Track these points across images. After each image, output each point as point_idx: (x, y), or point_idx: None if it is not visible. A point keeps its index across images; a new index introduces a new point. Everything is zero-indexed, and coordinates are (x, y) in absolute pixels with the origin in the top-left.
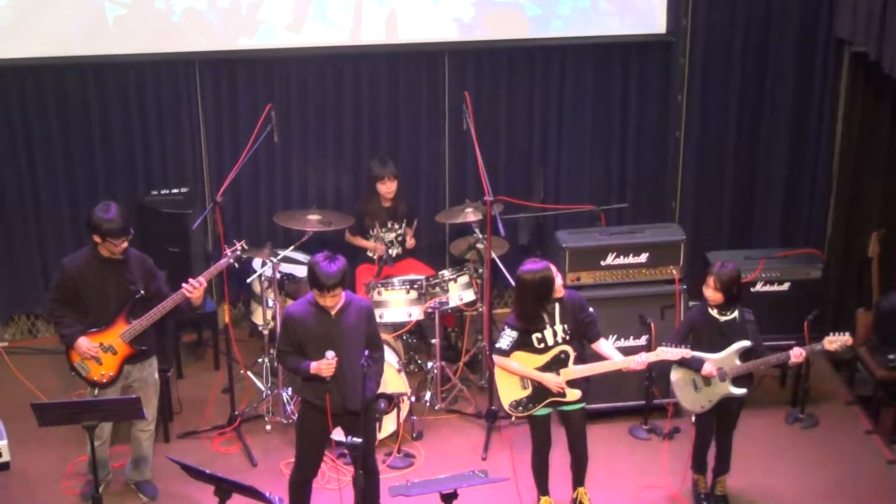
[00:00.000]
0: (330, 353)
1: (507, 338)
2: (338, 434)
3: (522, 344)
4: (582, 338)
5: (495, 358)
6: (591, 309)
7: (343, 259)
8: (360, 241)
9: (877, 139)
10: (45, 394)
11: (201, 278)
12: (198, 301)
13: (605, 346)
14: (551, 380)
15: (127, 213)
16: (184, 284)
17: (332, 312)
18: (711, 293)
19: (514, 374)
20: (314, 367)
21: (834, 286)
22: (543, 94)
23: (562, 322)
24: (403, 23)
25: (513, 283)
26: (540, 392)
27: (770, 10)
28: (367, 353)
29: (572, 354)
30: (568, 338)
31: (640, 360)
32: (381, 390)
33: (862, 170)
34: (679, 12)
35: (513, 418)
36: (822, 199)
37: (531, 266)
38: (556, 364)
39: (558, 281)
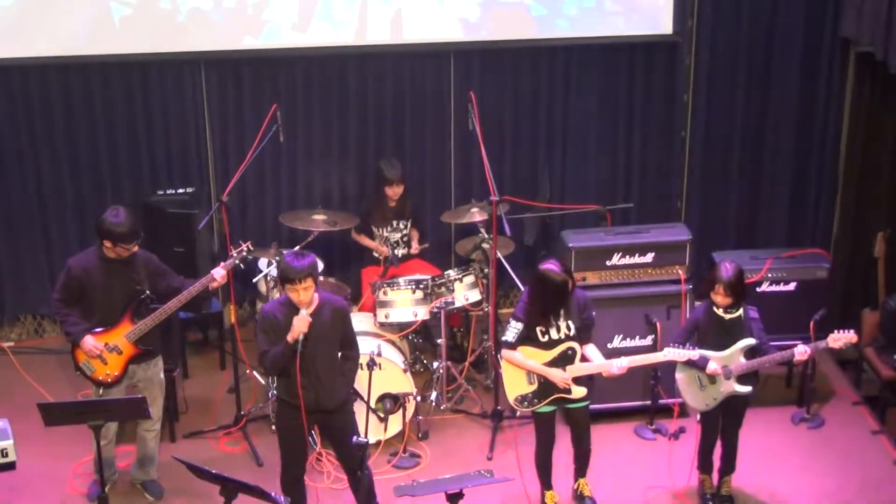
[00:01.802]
0: (304, 311)
1: (513, 330)
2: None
3: (527, 338)
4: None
5: (503, 351)
6: (594, 312)
7: (313, 255)
8: (365, 241)
9: (883, 138)
10: (51, 394)
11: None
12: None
13: (592, 350)
14: (557, 375)
15: (135, 217)
16: (214, 270)
17: (306, 312)
18: (721, 299)
19: (520, 369)
20: (290, 335)
21: (840, 286)
22: (549, 94)
23: (566, 319)
24: (409, 23)
25: (517, 282)
26: (546, 388)
27: (775, 10)
28: (373, 352)
29: (579, 351)
30: (573, 334)
31: (621, 365)
32: (387, 390)
33: (868, 169)
34: (685, 12)
35: (517, 413)
36: (828, 198)
37: (554, 266)
38: (563, 361)
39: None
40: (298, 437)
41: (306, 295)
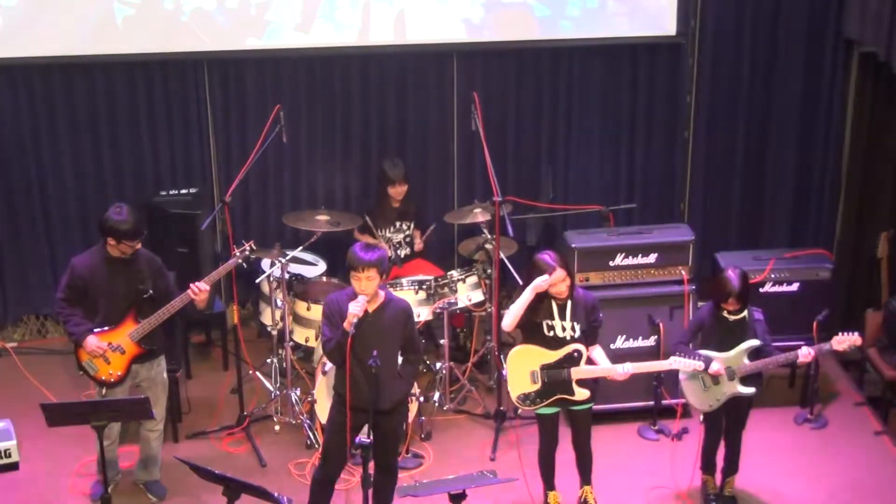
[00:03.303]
0: (362, 298)
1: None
2: (363, 434)
3: (535, 335)
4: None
5: (502, 322)
6: (601, 314)
7: (383, 250)
8: (367, 240)
9: (886, 139)
10: (54, 394)
11: (205, 283)
12: (202, 304)
13: (598, 352)
14: (540, 280)
15: (139, 214)
16: (191, 286)
17: (370, 308)
18: (733, 307)
19: (518, 312)
20: (346, 320)
21: (843, 286)
22: (552, 95)
23: (573, 320)
24: (412, 23)
25: (520, 282)
26: (549, 388)
27: (778, 11)
28: (375, 353)
29: (584, 354)
30: (579, 336)
31: (623, 371)
32: None
33: (871, 170)
34: (688, 13)
35: (519, 410)
36: (832, 199)
37: (544, 257)
38: (569, 362)
39: (555, 275)
40: (346, 436)
41: (368, 285)
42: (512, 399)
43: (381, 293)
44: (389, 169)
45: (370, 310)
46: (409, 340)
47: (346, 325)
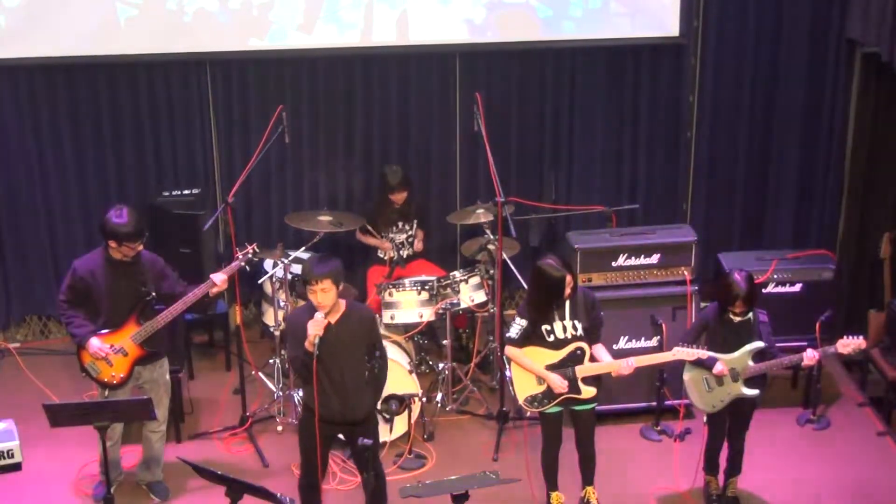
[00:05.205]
0: (319, 314)
1: (516, 327)
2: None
3: (533, 335)
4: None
5: (506, 348)
6: (601, 312)
7: (337, 261)
8: (369, 240)
9: (888, 139)
10: (56, 394)
11: (223, 274)
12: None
13: (601, 350)
14: (556, 381)
15: (139, 216)
16: (215, 276)
17: (332, 320)
18: (740, 309)
19: (522, 368)
20: (307, 340)
21: (846, 287)
22: (555, 96)
23: (572, 318)
24: (414, 24)
25: (523, 283)
26: None
27: (781, 11)
28: (378, 353)
29: (587, 351)
30: (581, 334)
31: (628, 365)
32: (392, 391)
33: (874, 170)
34: (690, 14)
35: (527, 413)
36: (834, 199)
37: (553, 262)
38: (573, 361)
39: (568, 290)
40: (317, 446)
41: (324, 297)
42: (519, 402)
43: (342, 303)
44: (389, 175)
45: (332, 321)
46: (373, 346)
47: (307, 345)
